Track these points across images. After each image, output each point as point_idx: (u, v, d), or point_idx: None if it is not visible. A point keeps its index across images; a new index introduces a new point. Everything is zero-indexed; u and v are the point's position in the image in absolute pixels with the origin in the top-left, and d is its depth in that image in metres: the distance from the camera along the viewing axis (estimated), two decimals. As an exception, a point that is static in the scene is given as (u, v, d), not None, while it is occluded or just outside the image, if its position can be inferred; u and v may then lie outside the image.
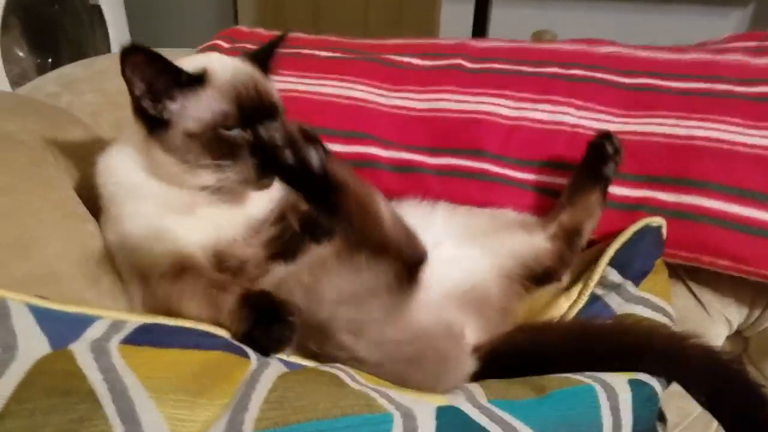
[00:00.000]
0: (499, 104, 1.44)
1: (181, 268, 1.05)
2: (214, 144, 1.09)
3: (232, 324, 0.98)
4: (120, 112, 1.54)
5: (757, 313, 1.34)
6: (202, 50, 1.64)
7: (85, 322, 0.91)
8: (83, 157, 1.35)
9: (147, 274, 1.08)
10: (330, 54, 1.59)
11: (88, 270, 1.17)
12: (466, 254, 1.27)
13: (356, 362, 0.98)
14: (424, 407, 0.88)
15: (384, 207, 0.96)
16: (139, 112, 1.11)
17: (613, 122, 1.40)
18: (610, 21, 3.37)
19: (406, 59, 1.56)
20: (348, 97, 1.48)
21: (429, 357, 0.98)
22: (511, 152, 1.40)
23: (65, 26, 3.28)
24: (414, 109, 1.46)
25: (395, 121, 1.45)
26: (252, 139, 1.10)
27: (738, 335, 1.39)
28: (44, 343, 0.86)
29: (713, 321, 1.36)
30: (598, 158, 1.31)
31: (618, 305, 1.22)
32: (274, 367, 0.93)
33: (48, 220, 1.15)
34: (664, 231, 1.30)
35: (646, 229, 1.29)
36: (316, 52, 1.60)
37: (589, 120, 1.41)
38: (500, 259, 1.28)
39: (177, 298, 1.03)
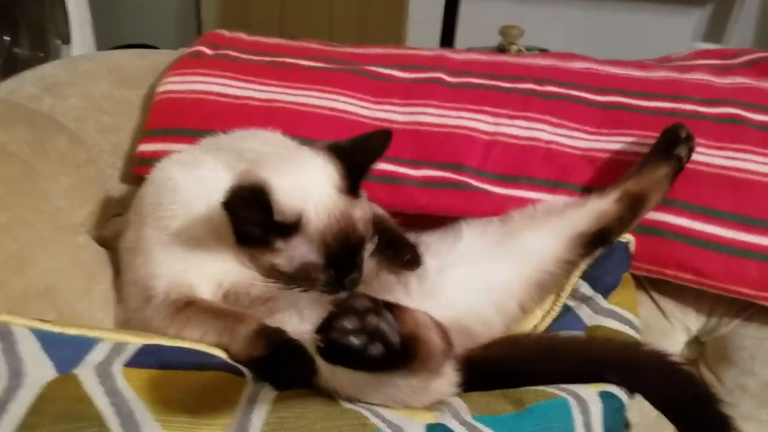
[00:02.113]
0: (478, 119, 1.49)
1: (187, 302, 1.08)
2: (297, 277, 1.08)
3: (244, 349, 1.01)
4: (106, 117, 1.55)
5: (714, 320, 1.43)
6: (186, 56, 1.65)
7: (87, 344, 0.94)
8: (70, 165, 1.36)
9: (149, 297, 1.10)
10: (313, 64, 1.61)
11: (80, 283, 1.20)
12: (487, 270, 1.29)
13: None
14: (415, 425, 0.94)
15: (437, 338, 0.93)
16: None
17: (586, 139, 1.46)
18: (577, 18, 3.43)
19: (388, 71, 1.59)
20: (332, 109, 1.51)
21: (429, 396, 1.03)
22: (490, 167, 1.44)
23: (24, 4, 3.20)
24: (396, 122, 1.50)
25: (378, 134, 1.48)
26: (333, 276, 1.08)
27: (696, 341, 1.48)
28: (50, 369, 0.89)
29: (674, 329, 1.44)
30: (669, 141, 1.38)
31: (588, 317, 1.30)
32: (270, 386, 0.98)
33: (42, 234, 1.17)
34: (632, 246, 1.38)
35: (616, 245, 1.36)
36: (300, 62, 1.61)
37: (562, 137, 1.47)
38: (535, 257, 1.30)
39: (180, 326, 1.06)
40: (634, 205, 1.35)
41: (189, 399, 0.90)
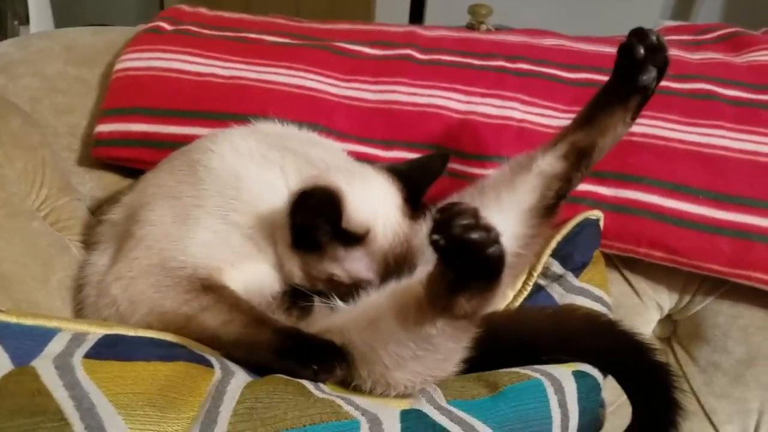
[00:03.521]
0: (450, 98, 1.46)
1: (218, 285, 1.05)
2: (346, 293, 1.07)
3: (273, 341, 0.99)
4: (61, 97, 1.50)
5: (686, 298, 1.44)
6: (144, 32, 1.58)
7: (45, 335, 0.90)
8: (24, 148, 1.30)
9: (168, 262, 1.06)
10: (279, 39, 1.56)
11: (36, 271, 1.16)
12: None
13: None
14: (389, 412, 0.92)
15: None
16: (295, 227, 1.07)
17: (558, 117, 1.44)
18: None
19: (356, 48, 1.55)
20: (300, 87, 1.46)
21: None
22: (462, 147, 1.42)
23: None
24: (367, 101, 1.47)
25: (348, 113, 1.45)
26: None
27: (668, 319, 1.49)
28: (6, 361, 0.85)
29: (646, 307, 1.45)
30: (627, 66, 1.14)
31: (560, 296, 1.29)
32: (239, 376, 0.94)
33: (-5, 222, 1.12)
34: (602, 223, 1.37)
35: (586, 222, 1.35)
36: (264, 37, 1.56)
37: (534, 115, 1.45)
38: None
39: (202, 305, 1.03)
40: (581, 160, 1.21)
41: (153, 392, 0.86)
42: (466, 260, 0.83)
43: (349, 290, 1.06)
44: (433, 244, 0.82)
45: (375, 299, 1.01)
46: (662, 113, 1.41)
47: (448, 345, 0.97)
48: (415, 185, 1.16)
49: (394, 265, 1.08)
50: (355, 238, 1.06)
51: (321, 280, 1.08)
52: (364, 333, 0.97)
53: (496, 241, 0.82)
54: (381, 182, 1.14)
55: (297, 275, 1.10)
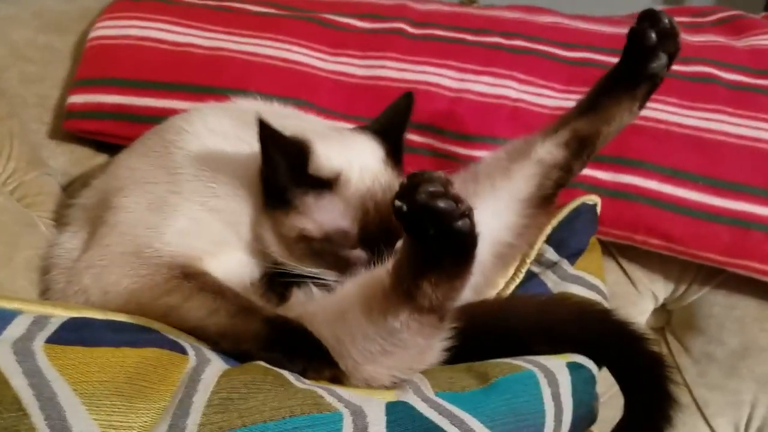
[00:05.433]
0: (442, 74, 1.42)
1: (199, 272, 1.00)
2: (326, 255, 1.01)
3: (262, 331, 0.94)
4: (30, 66, 1.44)
5: (682, 288, 1.42)
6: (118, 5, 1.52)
7: (4, 318, 0.84)
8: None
9: (144, 250, 1.01)
10: (262, 9, 1.51)
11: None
12: None
13: None
14: (374, 404, 0.87)
15: None
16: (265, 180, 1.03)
17: (555, 97, 1.41)
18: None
19: (344, 20, 1.50)
20: (284, 60, 1.41)
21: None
22: (454, 126, 1.38)
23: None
24: (355, 76, 1.42)
25: (335, 89, 1.41)
26: (368, 259, 1.00)
27: (663, 309, 1.46)
28: (-40, 345, 0.79)
29: (641, 296, 1.42)
30: (637, 52, 1.06)
31: (554, 284, 1.25)
32: (215, 364, 0.88)
33: (-45, 197, 1.06)
34: (599, 209, 1.33)
35: (582, 207, 1.31)
36: (247, 7, 1.51)
37: (530, 95, 1.41)
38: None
39: (185, 295, 0.97)
40: (583, 149, 1.16)
41: (121, 380, 0.80)
42: (431, 233, 0.78)
43: (334, 259, 1.01)
44: (396, 211, 0.77)
45: (347, 288, 0.95)
46: (661, 95, 1.37)
47: (417, 341, 0.92)
48: (391, 132, 1.11)
49: (375, 213, 1.01)
50: (324, 184, 1.00)
51: (294, 242, 1.02)
52: (333, 326, 0.92)
53: (465, 214, 0.77)
54: (360, 136, 1.10)
55: (271, 243, 1.04)
